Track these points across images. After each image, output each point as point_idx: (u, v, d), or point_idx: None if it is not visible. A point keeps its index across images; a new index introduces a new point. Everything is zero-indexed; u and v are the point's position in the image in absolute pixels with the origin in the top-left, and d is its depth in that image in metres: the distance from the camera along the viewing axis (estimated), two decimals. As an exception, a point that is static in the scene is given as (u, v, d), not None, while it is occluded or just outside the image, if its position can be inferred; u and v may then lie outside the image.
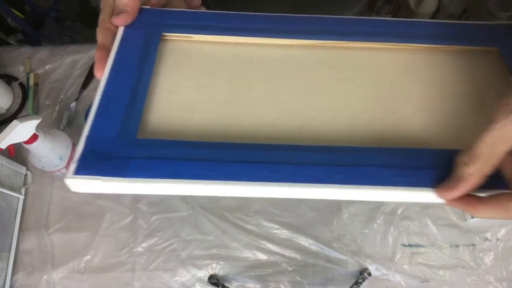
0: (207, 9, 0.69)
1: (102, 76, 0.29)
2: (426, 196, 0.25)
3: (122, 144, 0.25)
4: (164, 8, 0.35)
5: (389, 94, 0.30)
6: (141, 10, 0.33)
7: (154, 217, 0.68)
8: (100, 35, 0.31)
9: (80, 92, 0.78)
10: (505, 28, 0.34)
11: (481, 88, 0.31)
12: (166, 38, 0.33)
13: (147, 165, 0.24)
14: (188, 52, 0.32)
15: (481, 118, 0.28)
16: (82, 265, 0.65)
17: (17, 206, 0.68)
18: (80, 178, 0.24)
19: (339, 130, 0.28)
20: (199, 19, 0.34)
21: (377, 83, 0.31)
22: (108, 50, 0.30)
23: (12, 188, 0.66)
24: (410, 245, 0.66)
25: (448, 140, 0.28)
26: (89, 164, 0.24)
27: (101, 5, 0.32)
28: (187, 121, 0.28)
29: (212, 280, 0.63)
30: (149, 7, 0.34)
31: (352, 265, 0.65)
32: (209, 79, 0.31)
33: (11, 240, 0.66)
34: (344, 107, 0.29)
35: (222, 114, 0.29)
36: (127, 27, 0.32)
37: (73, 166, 0.24)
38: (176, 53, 0.32)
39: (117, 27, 0.32)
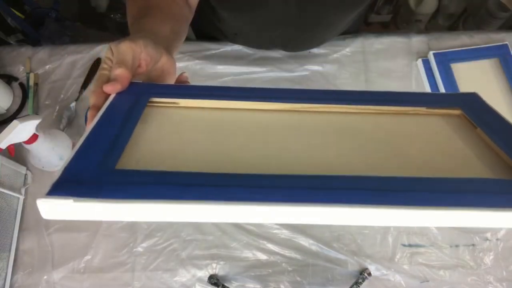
0: (215, 14, 0.70)
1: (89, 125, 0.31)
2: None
3: (99, 172, 0.25)
4: (153, 82, 0.39)
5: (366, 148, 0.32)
6: (132, 84, 0.35)
7: (154, 217, 0.68)
8: (94, 98, 0.34)
9: (80, 92, 0.78)
10: (463, 95, 0.38)
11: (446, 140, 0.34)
12: (153, 104, 0.35)
13: (123, 188, 0.23)
14: (173, 115, 0.35)
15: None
16: (82, 265, 0.65)
17: (17, 206, 0.68)
18: (52, 198, 0.23)
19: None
20: (185, 89, 0.37)
21: (349, 140, 0.33)
22: (97, 108, 0.34)
23: (12, 188, 0.66)
24: (410, 245, 0.66)
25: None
26: (63, 188, 0.23)
27: (98, 73, 0.36)
28: (168, 163, 0.28)
29: (212, 280, 0.63)
30: (140, 81, 0.37)
31: (352, 265, 0.65)
32: (191, 134, 0.32)
33: (11, 240, 0.66)
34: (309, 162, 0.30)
35: (204, 159, 0.29)
36: (117, 94, 0.34)
37: (45, 190, 0.23)
38: (161, 114, 0.35)
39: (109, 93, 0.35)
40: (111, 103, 0.33)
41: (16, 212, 0.68)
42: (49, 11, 1.30)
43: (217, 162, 0.28)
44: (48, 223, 0.68)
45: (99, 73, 0.36)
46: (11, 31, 1.25)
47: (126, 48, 0.36)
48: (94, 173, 0.25)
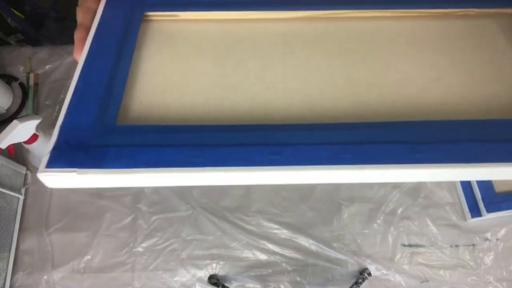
0: None
1: (80, 58, 0.27)
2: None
3: (99, 132, 0.22)
4: None
5: (398, 64, 0.27)
6: None
7: (154, 217, 0.68)
8: (80, 15, 0.29)
9: (80, 92, 0.78)
10: None
11: (503, 54, 0.27)
12: (148, 18, 0.30)
13: (127, 153, 0.21)
14: (173, 32, 0.29)
15: (504, 85, 0.25)
16: (82, 265, 0.65)
17: (17, 206, 0.68)
18: (54, 171, 0.21)
19: (344, 107, 0.24)
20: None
21: (384, 54, 0.28)
22: (88, 30, 0.29)
23: (12, 188, 0.66)
24: (410, 245, 0.66)
25: (467, 112, 0.24)
26: (63, 156, 0.21)
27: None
28: (173, 104, 0.25)
29: (212, 280, 0.63)
30: None
31: (352, 265, 0.65)
32: (196, 60, 0.28)
33: (11, 240, 0.66)
34: (346, 83, 0.26)
35: (211, 96, 0.25)
36: (107, 6, 0.29)
37: (44, 160, 0.21)
38: (159, 34, 0.29)
39: (97, 6, 0.30)
40: (100, 24, 0.28)
41: (16, 212, 0.68)
42: (49, 11, 1.30)
43: (229, 106, 0.25)
44: (48, 223, 0.68)
45: None
46: (11, 31, 1.25)
47: None
48: (94, 133, 0.22)
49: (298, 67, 0.27)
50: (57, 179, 0.21)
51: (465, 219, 0.67)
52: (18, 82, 0.80)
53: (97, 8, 0.30)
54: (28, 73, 0.80)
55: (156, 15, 0.30)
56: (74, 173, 0.20)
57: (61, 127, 0.22)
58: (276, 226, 0.67)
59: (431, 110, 0.24)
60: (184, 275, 0.65)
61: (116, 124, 0.23)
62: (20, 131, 0.53)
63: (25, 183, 0.70)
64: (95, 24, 0.28)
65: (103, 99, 0.23)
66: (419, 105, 0.24)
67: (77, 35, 0.29)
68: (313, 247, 0.66)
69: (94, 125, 0.22)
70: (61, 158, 0.21)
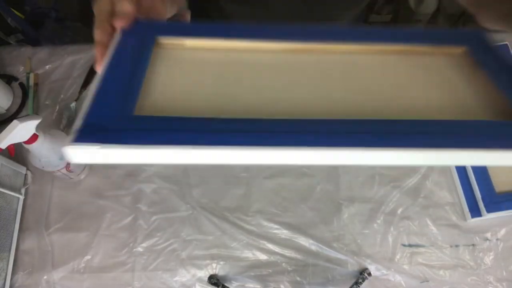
0: (216, 8, 0.70)
1: (100, 65, 0.31)
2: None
3: (119, 119, 0.26)
4: (157, 20, 0.38)
5: (374, 83, 0.33)
6: (137, 21, 0.35)
7: (154, 217, 0.68)
8: (99, 34, 0.34)
9: (80, 92, 0.78)
10: (469, 32, 0.38)
11: (449, 80, 0.34)
12: (160, 42, 0.35)
13: (143, 134, 0.25)
14: (180, 57, 0.35)
15: (448, 99, 0.32)
16: (82, 265, 0.65)
17: (17, 206, 0.68)
18: (79, 145, 0.24)
19: (331, 110, 0.30)
20: (189, 28, 0.37)
21: (363, 76, 0.34)
22: (106, 47, 0.33)
23: (12, 188, 0.66)
24: (410, 245, 0.66)
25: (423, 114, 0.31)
26: (88, 134, 0.25)
27: (97, 9, 0.36)
28: (181, 108, 0.29)
29: (212, 280, 0.63)
30: (143, 18, 0.37)
31: (352, 265, 0.65)
32: (199, 75, 0.33)
33: (11, 240, 0.66)
34: (326, 97, 0.32)
35: (213, 101, 0.30)
36: (123, 32, 0.34)
37: (71, 136, 0.25)
38: (169, 56, 0.35)
39: (114, 28, 0.34)
40: (119, 43, 0.33)
41: (16, 212, 0.68)
42: (49, 11, 1.30)
43: (227, 106, 0.29)
44: (48, 223, 0.68)
45: (100, 5, 0.35)
46: (11, 31, 1.25)
47: None
48: (115, 120, 0.26)
49: (282, 81, 0.33)
50: (82, 153, 0.24)
51: (465, 219, 0.67)
52: (18, 82, 0.80)
53: (113, 30, 0.34)
54: (28, 73, 0.80)
55: (166, 42, 0.36)
56: (96, 147, 0.24)
57: (86, 113, 0.26)
58: (276, 226, 0.67)
59: (397, 113, 0.30)
60: (184, 275, 0.65)
61: (134, 114, 0.27)
62: (20, 131, 0.53)
63: (25, 183, 0.70)
64: (114, 41, 0.33)
65: (123, 97, 0.28)
66: (390, 109, 0.31)
67: (97, 51, 0.33)
68: (313, 247, 0.66)
69: (115, 115, 0.26)
70: (86, 135, 0.24)
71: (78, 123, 0.25)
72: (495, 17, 0.38)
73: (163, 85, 0.31)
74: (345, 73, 0.34)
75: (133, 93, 0.29)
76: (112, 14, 0.35)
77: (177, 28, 0.37)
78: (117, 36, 0.33)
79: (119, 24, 0.34)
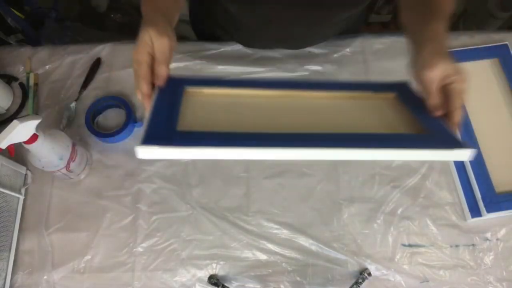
0: (217, 8, 0.70)
1: (149, 108, 0.45)
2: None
3: (168, 132, 0.41)
4: (185, 75, 0.54)
5: (333, 118, 0.50)
6: (169, 77, 0.49)
7: (154, 217, 0.68)
8: (145, 88, 0.45)
9: (80, 92, 0.78)
10: (397, 83, 0.55)
11: (385, 114, 0.51)
12: (187, 91, 0.50)
13: (183, 140, 0.39)
14: (201, 99, 0.51)
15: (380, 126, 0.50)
16: (82, 265, 0.65)
17: (17, 206, 0.68)
18: (146, 146, 0.38)
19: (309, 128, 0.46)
20: (207, 81, 0.55)
21: (324, 114, 0.51)
22: (146, 81, 0.45)
23: (12, 188, 0.66)
24: (410, 245, 0.66)
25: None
26: (149, 140, 0.38)
27: (137, 61, 0.45)
28: (205, 125, 0.45)
29: (212, 280, 0.63)
30: (174, 75, 0.49)
31: (352, 265, 0.65)
32: (215, 110, 0.49)
33: (11, 240, 0.66)
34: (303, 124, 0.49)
35: (227, 124, 0.46)
36: (162, 86, 0.48)
37: (140, 142, 0.38)
38: (194, 100, 0.50)
39: (147, 58, 0.45)
40: (160, 91, 0.47)
41: (16, 212, 0.68)
42: (49, 11, 1.30)
43: (233, 127, 0.45)
44: (48, 223, 0.68)
45: (138, 57, 0.45)
46: (11, 31, 1.25)
47: (168, 47, 0.46)
48: (166, 132, 0.41)
49: (269, 113, 0.50)
50: (147, 151, 0.38)
51: (465, 219, 0.67)
52: (18, 82, 0.80)
53: (148, 60, 0.45)
54: (28, 73, 0.80)
55: (190, 89, 0.50)
56: (156, 147, 0.38)
57: (146, 131, 0.40)
58: (276, 226, 0.67)
59: (348, 130, 0.46)
60: (184, 275, 0.65)
61: (177, 129, 0.42)
62: (20, 131, 0.53)
63: (25, 183, 0.70)
64: (156, 91, 0.47)
65: (168, 120, 0.43)
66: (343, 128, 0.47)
67: (146, 101, 0.46)
68: (313, 247, 0.66)
69: (165, 130, 0.41)
70: (149, 140, 0.38)
71: (142, 134, 0.39)
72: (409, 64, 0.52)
73: (191, 114, 0.47)
74: (312, 111, 0.51)
75: (175, 118, 0.44)
76: (151, 66, 0.46)
77: (198, 81, 0.53)
78: (156, 89, 0.47)
79: (160, 84, 0.47)
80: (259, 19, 0.68)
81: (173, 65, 0.87)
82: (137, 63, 0.45)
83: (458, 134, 0.48)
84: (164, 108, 0.45)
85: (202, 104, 0.50)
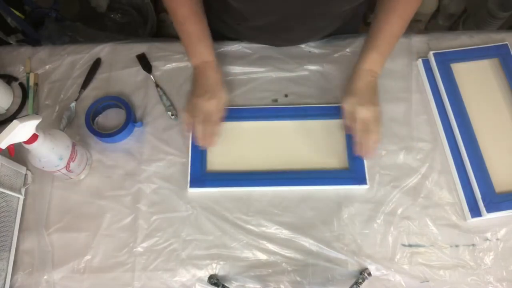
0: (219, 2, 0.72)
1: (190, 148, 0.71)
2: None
3: (201, 174, 0.69)
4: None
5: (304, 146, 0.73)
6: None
7: (154, 217, 0.68)
8: (201, 137, 0.67)
9: (80, 92, 0.78)
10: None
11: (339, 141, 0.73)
12: None
13: (210, 181, 0.68)
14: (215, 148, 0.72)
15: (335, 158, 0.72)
16: (82, 265, 0.65)
17: (17, 206, 0.68)
18: (191, 188, 0.66)
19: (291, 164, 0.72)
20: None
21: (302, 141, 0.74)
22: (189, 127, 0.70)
23: (12, 188, 0.66)
24: (410, 245, 0.66)
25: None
26: (193, 183, 0.67)
27: (189, 115, 0.69)
28: (225, 165, 0.71)
29: (212, 280, 0.63)
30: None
31: (352, 265, 0.65)
32: (228, 146, 0.73)
33: (11, 240, 0.66)
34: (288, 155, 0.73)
35: (239, 160, 0.71)
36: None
37: (188, 183, 0.68)
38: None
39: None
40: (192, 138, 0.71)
41: (16, 212, 0.68)
42: (49, 11, 1.30)
43: (245, 162, 0.71)
44: (48, 223, 0.68)
45: (193, 118, 0.68)
46: (11, 31, 1.25)
47: (219, 114, 0.70)
48: (200, 174, 0.69)
49: (268, 148, 0.73)
50: (191, 191, 0.69)
51: (465, 219, 0.67)
52: (18, 82, 0.80)
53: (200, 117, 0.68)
54: (28, 73, 0.80)
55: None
56: (196, 189, 0.69)
57: (191, 173, 0.69)
58: (276, 226, 0.67)
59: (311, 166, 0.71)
60: (184, 275, 0.65)
61: (206, 171, 0.70)
62: (20, 131, 0.53)
63: (25, 183, 0.70)
64: (191, 137, 0.72)
65: (200, 164, 0.70)
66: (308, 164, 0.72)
67: (204, 143, 0.68)
68: (313, 247, 0.66)
69: (200, 172, 0.69)
70: (192, 183, 0.68)
71: (189, 176, 0.68)
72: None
73: (213, 155, 0.71)
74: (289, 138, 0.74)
75: (203, 162, 0.70)
76: (199, 121, 0.67)
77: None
78: (190, 137, 0.72)
79: (210, 145, 0.69)
80: (259, 15, 0.69)
81: (173, 65, 0.87)
82: (189, 117, 0.69)
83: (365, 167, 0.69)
84: (198, 153, 0.70)
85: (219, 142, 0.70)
